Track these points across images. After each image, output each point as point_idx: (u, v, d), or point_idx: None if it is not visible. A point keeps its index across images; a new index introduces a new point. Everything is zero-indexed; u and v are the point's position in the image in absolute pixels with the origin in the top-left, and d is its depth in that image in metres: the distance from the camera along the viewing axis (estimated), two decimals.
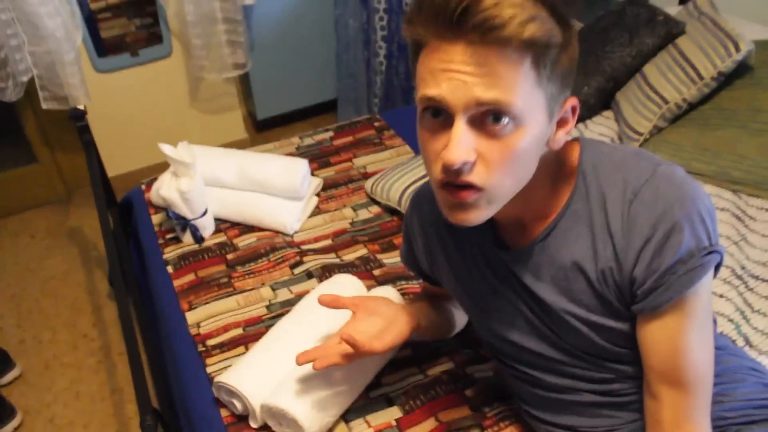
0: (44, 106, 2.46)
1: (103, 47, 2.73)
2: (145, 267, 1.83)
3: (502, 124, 0.73)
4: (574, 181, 0.88)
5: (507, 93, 0.72)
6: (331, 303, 1.17)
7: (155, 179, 2.01)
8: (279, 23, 2.91)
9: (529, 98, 0.74)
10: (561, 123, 0.83)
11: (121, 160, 2.95)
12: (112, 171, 2.91)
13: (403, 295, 1.55)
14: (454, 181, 0.76)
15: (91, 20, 2.68)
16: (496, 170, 0.76)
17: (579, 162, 0.88)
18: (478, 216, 0.80)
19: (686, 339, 0.84)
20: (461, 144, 0.73)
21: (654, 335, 0.86)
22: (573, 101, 0.82)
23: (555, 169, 0.88)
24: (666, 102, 1.95)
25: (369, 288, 1.52)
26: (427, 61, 0.75)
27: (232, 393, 1.28)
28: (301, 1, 2.90)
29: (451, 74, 0.72)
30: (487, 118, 0.74)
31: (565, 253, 0.89)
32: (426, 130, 0.79)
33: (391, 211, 1.89)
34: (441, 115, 0.76)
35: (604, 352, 0.93)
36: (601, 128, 2.15)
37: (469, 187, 0.76)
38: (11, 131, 2.79)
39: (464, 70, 0.72)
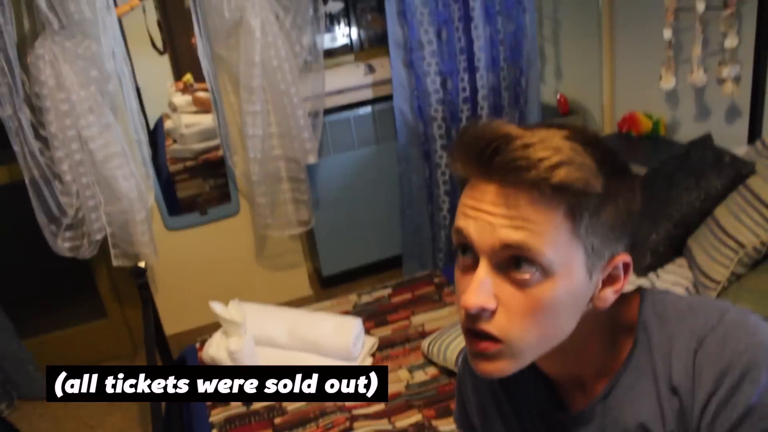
0: (115, 263, 2.55)
1: (178, 207, 2.86)
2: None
3: (525, 271, 0.68)
4: (635, 333, 0.78)
5: (535, 238, 0.67)
6: None
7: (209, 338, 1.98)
8: (342, 181, 2.98)
9: (562, 249, 0.68)
10: (609, 281, 0.75)
11: (187, 316, 2.98)
12: (178, 327, 2.94)
13: None
14: (473, 328, 0.71)
15: (169, 182, 2.84)
16: (517, 322, 0.70)
17: (639, 313, 0.79)
18: (500, 369, 0.73)
19: None
20: (480, 288, 0.69)
21: None
22: (624, 258, 0.74)
23: (610, 324, 0.79)
24: (742, 246, 1.81)
25: None
26: (464, 197, 0.73)
27: None
28: (364, 159, 2.98)
29: (479, 213, 0.70)
30: (512, 265, 0.69)
31: (629, 414, 0.77)
32: (458, 268, 0.75)
33: (449, 373, 1.78)
34: (469, 254, 0.72)
35: None
36: (674, 277, 2.01)
37: (489, 337, 0.71)
38: (86, 287, 2.89)
39: (493, 211, 0.69)
